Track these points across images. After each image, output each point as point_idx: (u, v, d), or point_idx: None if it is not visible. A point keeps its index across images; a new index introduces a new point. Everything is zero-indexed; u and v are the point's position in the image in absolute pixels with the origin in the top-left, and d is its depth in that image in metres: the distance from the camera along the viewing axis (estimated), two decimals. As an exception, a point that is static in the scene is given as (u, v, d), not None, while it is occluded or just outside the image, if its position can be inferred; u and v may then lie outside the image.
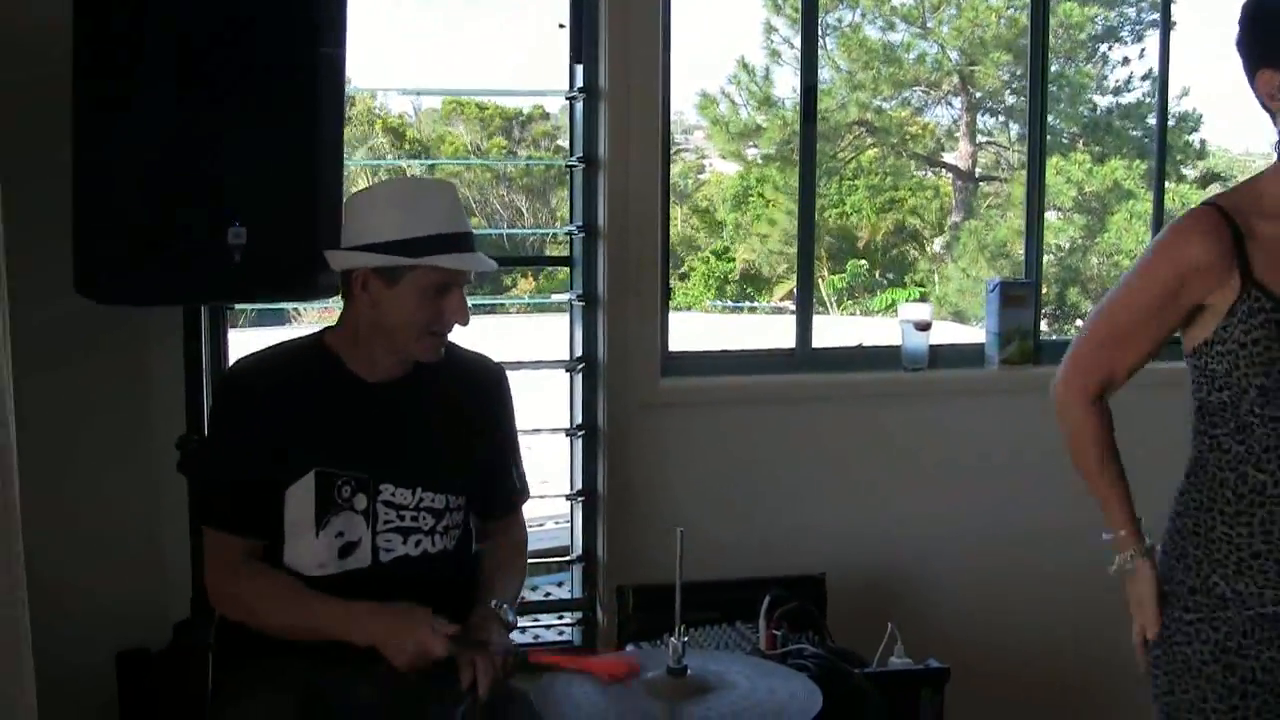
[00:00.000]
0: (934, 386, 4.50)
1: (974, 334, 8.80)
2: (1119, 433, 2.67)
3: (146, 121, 2.98)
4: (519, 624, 3.14)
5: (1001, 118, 17.59)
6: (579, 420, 4.25)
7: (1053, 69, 4.40)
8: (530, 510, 3.34)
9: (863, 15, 16.69)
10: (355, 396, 2.96)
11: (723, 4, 15.27)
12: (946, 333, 4.99)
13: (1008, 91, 16.82)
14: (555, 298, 4.45)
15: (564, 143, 4.32)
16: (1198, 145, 16.41)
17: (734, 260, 18.53)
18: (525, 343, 4.69)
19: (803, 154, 4.50)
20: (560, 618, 4.32)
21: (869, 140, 17.74)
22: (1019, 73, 15.69)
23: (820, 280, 16.50)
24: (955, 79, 16.95)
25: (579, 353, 4.23)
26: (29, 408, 2.89)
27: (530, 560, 4.03)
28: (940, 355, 4.55)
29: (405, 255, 2.85)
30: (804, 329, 4.47)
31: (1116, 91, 16.42)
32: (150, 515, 3.70)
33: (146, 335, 3.65)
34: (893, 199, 18.11)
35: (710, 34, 14.84)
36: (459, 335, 3.00)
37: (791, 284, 15.93)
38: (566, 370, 4.26)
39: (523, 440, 3.29)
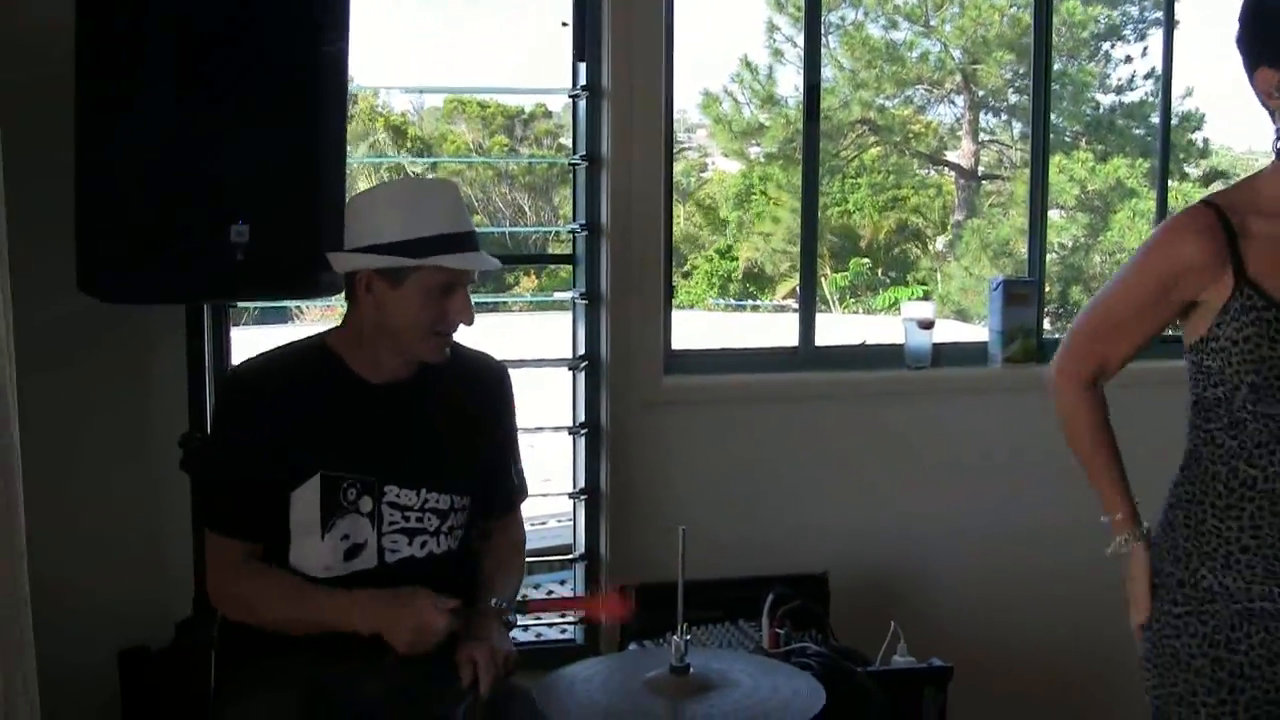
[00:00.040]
0: (937, 385, 4.50)
1: (976, 332, 8.81)
2: (1123, 431, 2.68)
3: (149, 120, 2.98)
4: (519, 622, 3.14)
5: (1004, 116, 17.59)
6: (581, 418, 4.25)
7: (1055, 67, 4.41)
8: (533, 508, 3.35)
9: (865, 14, 16.69)
10: (359, 398, 2.96)
11: (725, 3, 15.28)
12: (949, 331, 4.99)
13: (1010, 90, 16.82)
14: (558, 296, 4.45)
15: (566, 141, 4.32)
16: (1200, 144, 16.41)
17: (736, 259, 18.53)
18: (527, 341, 4.68)
19: (806, 152, 4.50)
20: (563, 615, 4.32)
21: (872, 139, 17.75)
22: (1021, 71, 15.69)
23: (823, 279, 16.50)
24: (958, 77, 16.95)
25: (581, 351, 4.23)
26: (31, 406, 2.89)
27: (533, 558, 4.03)
28: (943, 353, 4.55)
29: (409, 256, 2.85)
30: (807, 327, 4.47)
31: (1119, 90, 16.43)
32: (152, 514, 3.70)
33: (149, 334, 3.64)
34: (895, 197, 18.11)
35: (713, 33, 14.83)
36: (462, 334, 3.00)
37: (794, 282, 15.94)
38: (569, 368, 4.26)
39: (525, 438, 3.29)
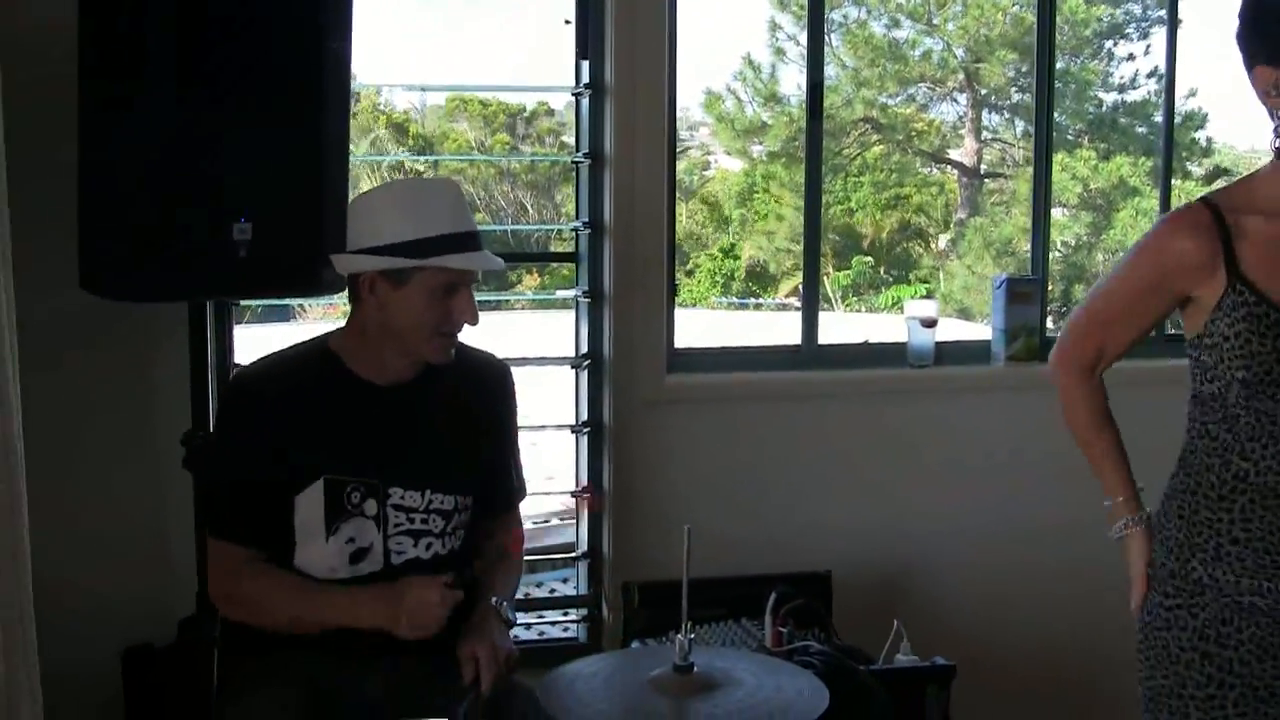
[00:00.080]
0: (940, 383, 4.50)
1: (979, 331, 8.80)
2: (1127, 430, 2.71)
3: (151, 119, 2.98)
4: (518, 620, 3.14)
5: (1006, 114, 17.57)
6: (584, 417, 4.25)
7: (1058, 66, 4.41)
8: (536, 506, 3.35)
9: (868, 12, 16.66)
10: (363, 401, 2.96)
11: (727, 1, 15.26)
12: (952, 329, 4.98)
13: (1013, 88, 16.80)
14: (560, 294, 4.45)
15: (568, 139, 4.32)
16: (1204, 143, 16.39)
17: (739, 257, 18.51)
18: (530, 339, 4.68)
19: (809, 151, 4.50)
20: (566, 614, 4.32)
21: (874, 137, 17.72)
22: (1024, 70, 15.67)
23: (825, 277, 16.48)
24: (960, 76, 16.94)
25: (584, 349, 4.23)
26: (34, 404, 2.89)
27: (536, 556, 4.03)
28: (946, 352, 4.55)
29: (412, 257, 2.84)
30: (810, 326, 4.47)
31: (1121, 89, 16.40)
32: (155, 511, 3.70)
33: (151, 332, 3.64)
34: (898, 195, 18.09)
35: (715, 31, 14.82)
36: (465, 332, 3.00)
37: (796, 280, 15.92)
38: (572, 367, 4.25)
39: (528, 437, 3.29)
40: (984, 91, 17.11)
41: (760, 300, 18.19)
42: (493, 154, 17.62)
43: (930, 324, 4.48)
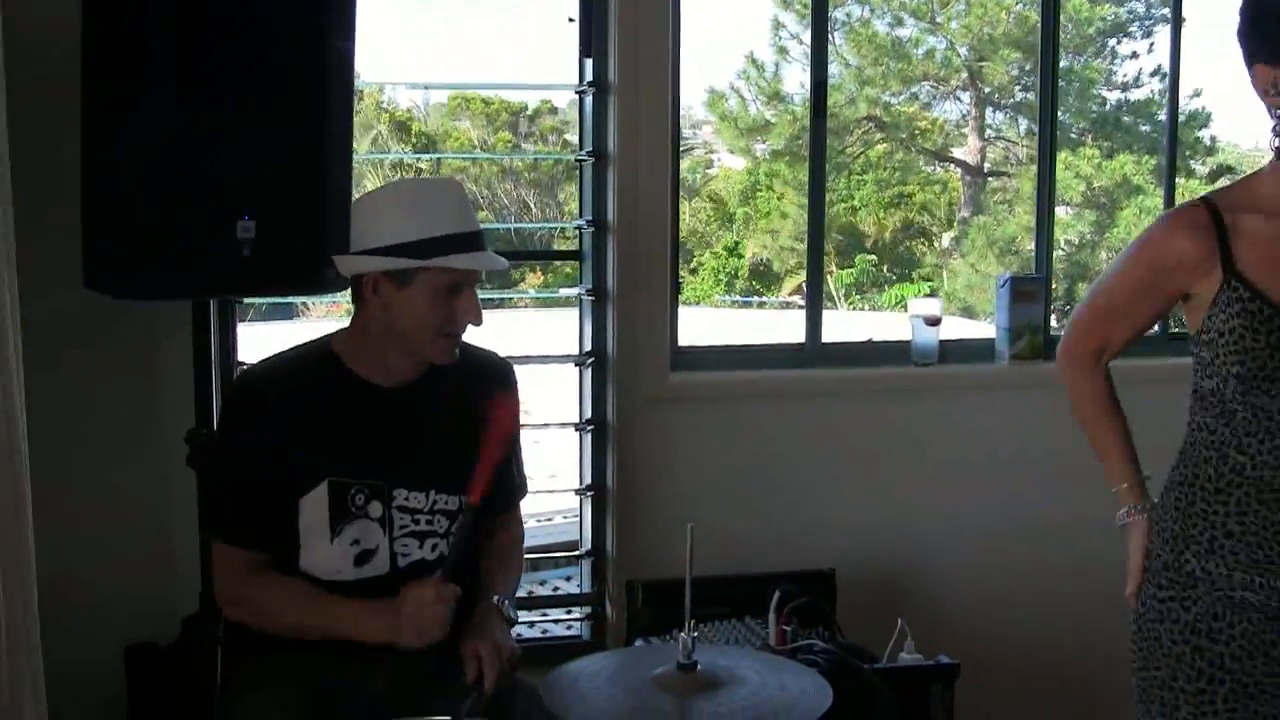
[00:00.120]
0: (944, 382, 4.49)
1: (983, 329, 8.79)
2: (1133, 427, 2.74)
3: (155, 118, 2.97)
4: (521, 619, 3.13)
5: (1010, 113, 17.58)
6: (588, 415, 4.24)
7: (1061, 64, 4.42)
8: (539, 504, 3.34)
9: (871, 11, 16.68)
10: (366, 403, 2.95)
11: (731, 0, 15.27)
12: (955, 328, 4.98)
13: (1016, 87, 16.81)
14: (564, 292, 4.45)
15: (570, 137, 4.32)
16: (1208, 141, 16.40)
17: (743, 256, 18.53)
18: (533, 337, 4.68)
19: (813, 149, 4.49)
20: (569, 612, 4.31)
21: (878, 135, 17.74)
22: (1027, 68, 15.69)
23: (828, 275, 16.49)
24: (964, 74, 16.94)
25: (588, 347, 4.22)
26: (38, 402, 2.89)
27: (539, 555, 4.02)
28: (950, 350, 4.55)
29: (415, 257, 2.83)
30: (814, 324, 4.46)
31: (1124, 87, 16.41)
32: (159, 509, 3.70)
33: (155, 330, 3.64)
34: (901, 194, 18.11)
35: (718, 30, 14.83)
36: (469, 330, 2.99)
37: (800, 279, 15.94)
38: (575, 365, 4.25)
39: (532, 434, 3.28)
40: (987, 90, 17.14)
41: (764, 298, 18.21)
42: (497, 152, 17.63)
43: (934, 322, 4.48)
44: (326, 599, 2.88)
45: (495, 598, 2.97)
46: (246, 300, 3.97)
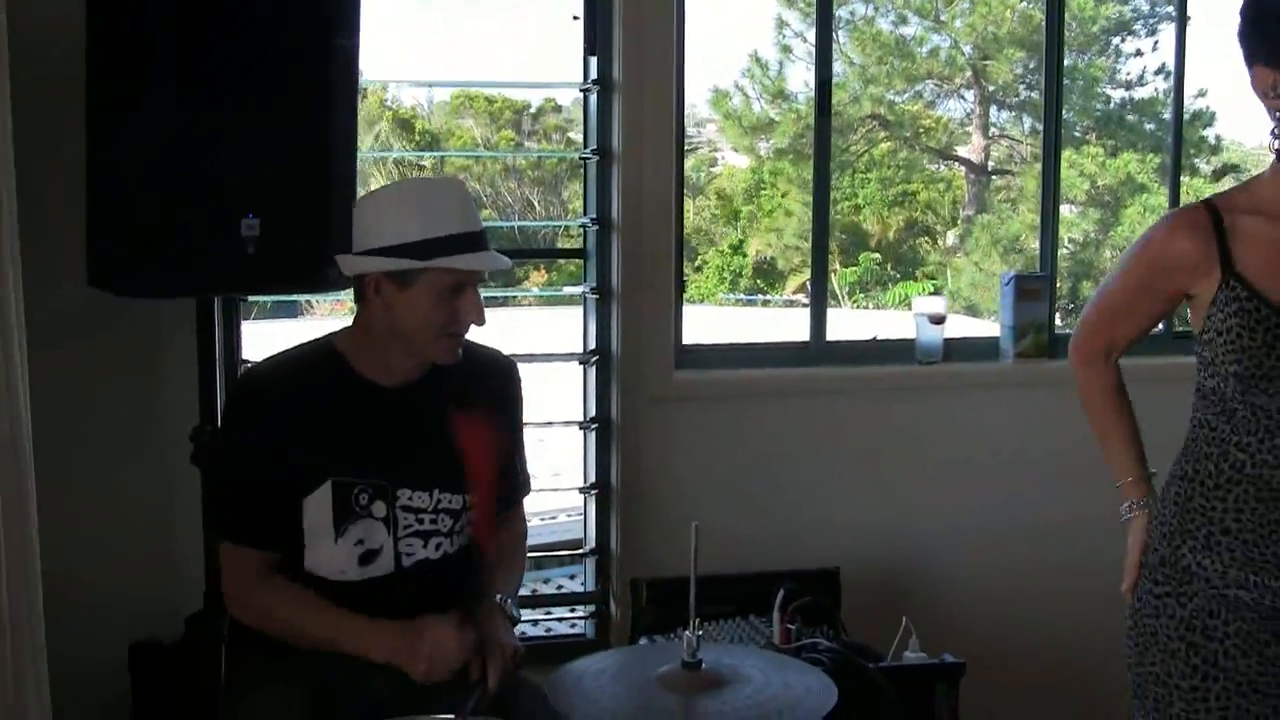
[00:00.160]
0: (948, 380, 4.49)
1: (986, 327, 8.78)
2: (1142, 427, 2.77)
3: (160, 116, 2.98)
4: (524, 617, 3.13)
5: (1014, 111, 17.57)
6: (592, 413, 4.25)
7: (1065, 62, 4.43)
8: (543, 503, 3.34)
9: (875, 9, 16.66)
10: (369, 402, 2.94)
11: (734, -1, 15.26)
12: (959, 326, 4.98)
13: (1021, 85, 16.79)
14: (568, 290, 4.44)
15: (574, 135, 4.32)
16: (1212, 140, 16.37)
17: (747, 255, 18.52)
18: (537, 335, 4.68)
19: (817, 148, 4.50)
20: (573, 611, 4.32)
21: (882, 134, 17.72)
22: (1031, 66, 15.67)
23: (832, 274, 16.48)
24: (968, 73, 16.93)
25: (592, 345, 4.23)
26: (41, 400, 2.89)
27: (544, 553, 4.02)
28: (954, 349, 4.55)
29: (417, 257, 2.82)
30: (818, 322, 4.46)
31: (1129, 86, 16.39)
32: (163, 507, 3.70)
33: (159, 328, 3.64)
34: (905, 192, 18.10)
35: (722, 28, 14.84)
36: (473, 330, 2.99)
37: (804, 277, 15.93)
38: (580, 363, 4.25)
39: (536, 433, 3.27)
40: (991, 88, 17.12)
41: (768, 296, 18.20)
42: (501, 150, 17.64)
43: (939, 320, 4.48)
44: (334, 612, 2.86)
45: (498, 596, 2.96)
46: (251, 298, 3.97)
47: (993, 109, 17.56)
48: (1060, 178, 4.78)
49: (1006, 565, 4.42)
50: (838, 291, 17.10)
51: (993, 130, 17.65)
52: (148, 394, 3.71)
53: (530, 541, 3.32)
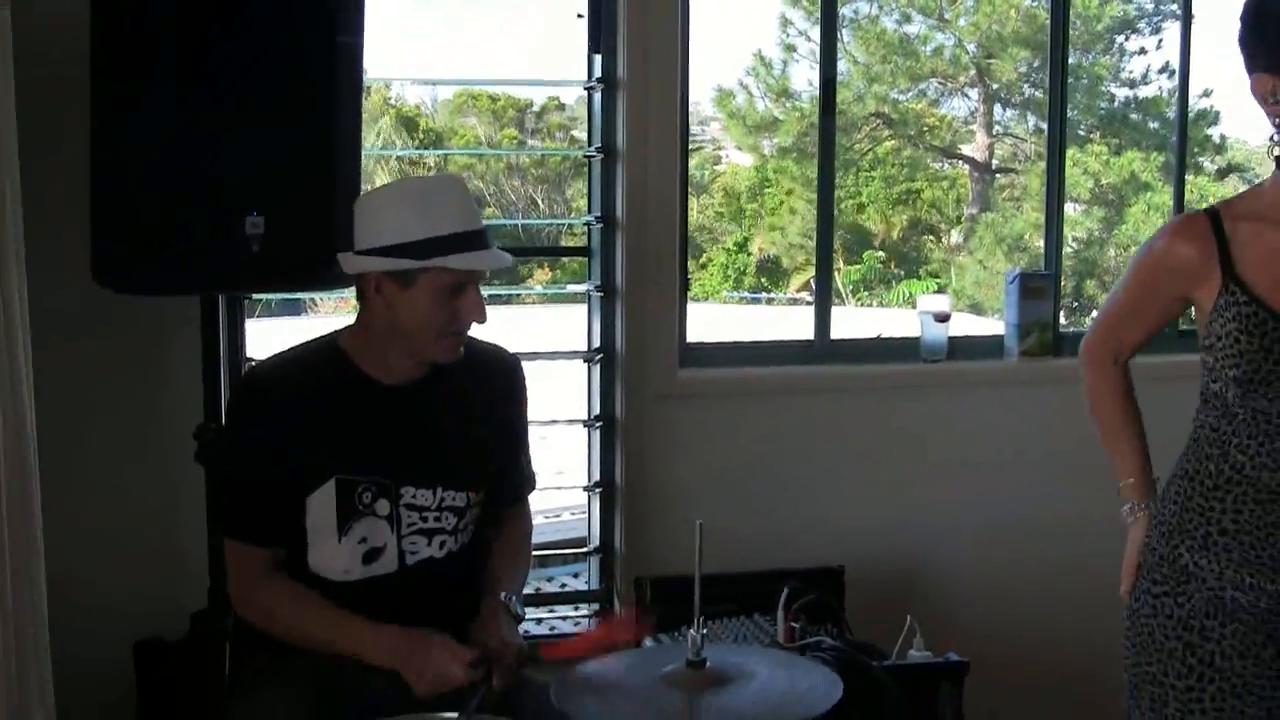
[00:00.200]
0: (953, 378, 4.49)
1: (990, 326, 8.79)
2: (1150, 426, 2.79)
3: (163, 114, 2.98)
4: (529, 615, 3.12)
5: (1018, 110, 17.57)
6: (596, 411, 4.24)
7: (1070, 60, 4.44)
8: (547, 501, 3.33)
9: (880, 7, 16.68)
10: (373, 401, 2.94)
11: (739, -3, 15.27)
12: (963, 325, 4.98)
13: (1025, 83, 16.80)
14: (572, 288, 4.44)
15: (578, 133, 4.32)
16: (1217, 139, 16.38)
17: (751, 253, 18.54)
18: (542, 333, 4.68)
19: (821, 146, 4.49)
20: (577, 609, 4.31)
21: (885, 132, 17.73)
22: (1035, 65, 15.67)
23: (836, 272, 16.49)
24: (972, 71, 16.93)
25: (596, 343, 4.23)
26: (46, 398, 2.89)
27: (547, 551, 4.01)
28: (959, 347, 4.54)
29: (417, 257, 2.80)
30: (822, 320, 4.46)
31: (1132, 84, 16.41)
32: (167, 505, 3.70)
33: (163, 326, 3.64)
34: (909, 190, 18.11)
35: (726, 27, 14.83)
36: (476, 326, 2.98)
37: (807, 275, 15.94)
38: (584, 361, 4.25)
39: (540, 431, 3.27)
40: (995, 87, 17.12)
41: (772, 295, 18.21)
42: (504, 149, 17.64)
43: (943, 318, 4.47)
44: (335, 613, 2.86)
45: (503, 594, 2.96)
46: (255, 296, 3.97)
47: (997, 107, 17.58)
48: (1065, 176, 4.77)
49: (1011, 563, 4.41)
50: (841, 290, 17.11)
51: (997, 128, 17.67)
52: (152, 392, 3.71)
53: (534, 539, 3.31)
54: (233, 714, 2.92)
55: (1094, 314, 2.95)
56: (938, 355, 4.47)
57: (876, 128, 17.50)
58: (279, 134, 3.07)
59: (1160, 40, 15.99)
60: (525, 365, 3.21)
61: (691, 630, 2.44)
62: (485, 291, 2.93)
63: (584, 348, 4.25)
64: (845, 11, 15.67)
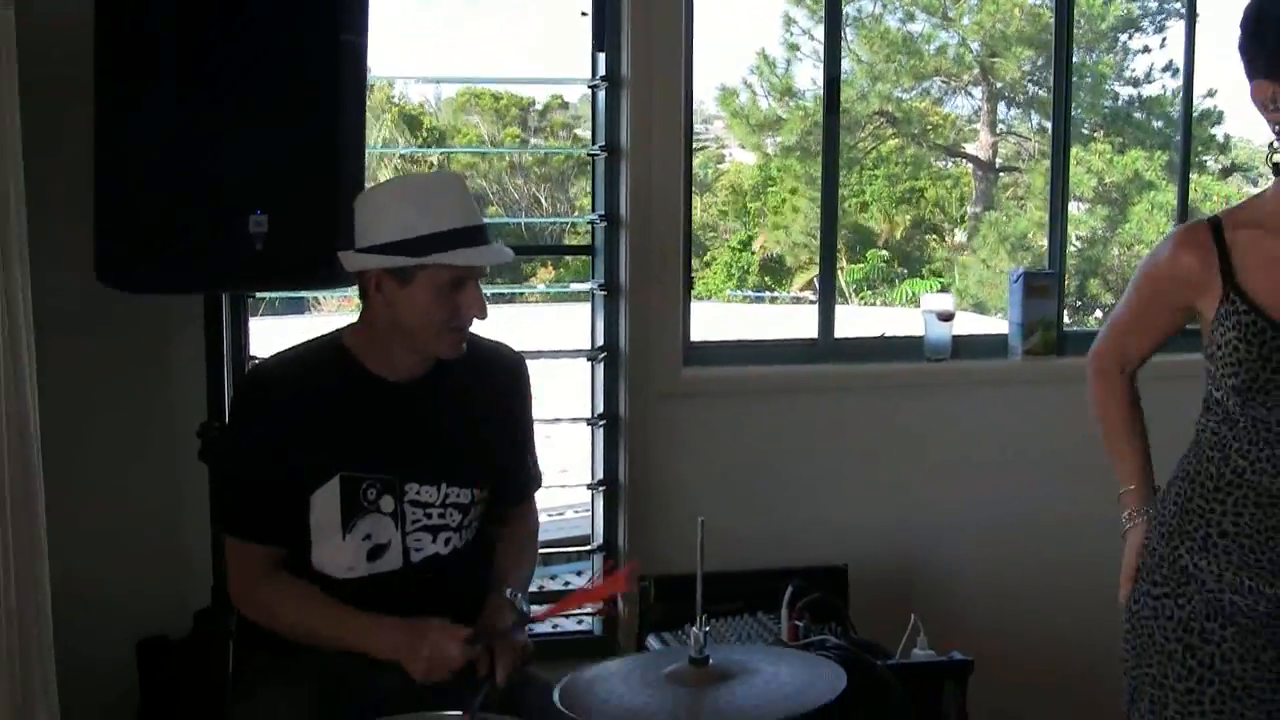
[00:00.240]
0: (957, 377, 4.49)
1: (994, 325, 8.78)
2: (1151, 425, 2.79)
3: (166, 113, 2.98)
4: (533, 613, 3.11)
5: (1021, 108, 17.55)
6: (600, 410, 4.25)
7: (1073, 59, 4.43)
8: (551, 499, 3.33)
9: (883, 6, 16.66)
10: (376, 398, 2.94)
11: (742, -4, 15.26)
12: (967, 323, 4.98)
13: (1029, 82, 16.78)
14: (576, 287, 4.44)
15: (581, 132, 4.32)
16: (1221, 138, 16.36)
17: (754, 253, 18.52)
18: (545, 332, 4.68)
19: (825, 145, 4.49)
20: (580, 607, 4.31)
21: (889, 131, 17.71)
22: (1040, 64, 15.66)
23: (839, 271, 16.47)
24: (976, 70, 16.92)
25: (600, 342, 4.23)
26: (49, 397, 2.89)
27: (551, 549, 4.01)
28: (963, 345, 4.54)
29: (415, 254, 2.81)
30: (826, 319, 4.46)
31: (1136, 83, 16.38)
32: (171, 504, 3.71)
33: (167, 324, 3.65)
34: (913, 189, 18.09)
35: (730, 26, 14.83)
36: (480, 324, 2.98)
37: (811, 274, 15.93)
38: (588, 359, 4.25)
39: (544, 429, 3.27)
40: (999, 85, 17.10)
41: (775, 293, 18.20)
42: (507, 147, 17.65)
43: (947, 317, 4.47)
44: (337, 609, 2.86)
45: (508, 591, 2.95)
46: (258, 294, 3.97)
47: (1000, 106, 17.55)
48: (1068, 175, 4.77)
49: (1015, 562, 4.41)
50: (845, 288, 17.09)
51: (1000, 127, 17.65)
52: (155, 390, 3.71)
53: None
54: (236, 712, 2.92)
55: (1098, 313, 2.95)
56: (941, 354, 4.47)
57: (880, 126, 17.48)
58: (281, 133, 3.07)
59: (1164, 39, 15.96)
60: (529, 364, 3.21)
61: (694, 628, 2.44)
62: (488, 290, 2.94)
63: (588, 346, 4.25)
64: (849, 10, 15.66)
